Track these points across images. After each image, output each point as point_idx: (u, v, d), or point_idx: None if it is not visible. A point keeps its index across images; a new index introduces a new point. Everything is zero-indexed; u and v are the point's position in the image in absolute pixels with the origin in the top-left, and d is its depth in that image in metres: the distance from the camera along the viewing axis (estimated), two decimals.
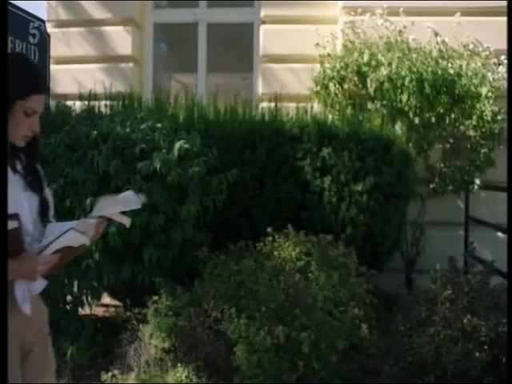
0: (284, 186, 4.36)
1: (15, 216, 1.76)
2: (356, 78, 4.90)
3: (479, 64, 5.09)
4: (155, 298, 3.68)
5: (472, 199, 5.35)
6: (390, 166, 4.28)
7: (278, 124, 4.41)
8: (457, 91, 4.61)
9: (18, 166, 1.96)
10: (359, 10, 5.22)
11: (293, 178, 4.35)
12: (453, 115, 4.79)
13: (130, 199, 2.02)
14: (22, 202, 1.90)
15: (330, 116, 4.85)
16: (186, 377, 3.33)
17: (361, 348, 3.60)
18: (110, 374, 3.50)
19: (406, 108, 4.57)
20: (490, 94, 4.98)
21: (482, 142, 5.11)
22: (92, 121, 4.11)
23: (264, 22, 5.74)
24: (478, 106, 4.92)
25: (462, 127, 5.13)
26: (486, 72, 5.01)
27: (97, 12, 5.89)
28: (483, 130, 5.06)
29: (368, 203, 4.24)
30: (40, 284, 1.92)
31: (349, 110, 4.90)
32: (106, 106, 4.52)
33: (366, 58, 4.81)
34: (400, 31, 5.08)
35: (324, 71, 5.03)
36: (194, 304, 3.58)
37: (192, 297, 3.65)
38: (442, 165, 5.18)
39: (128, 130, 3.96)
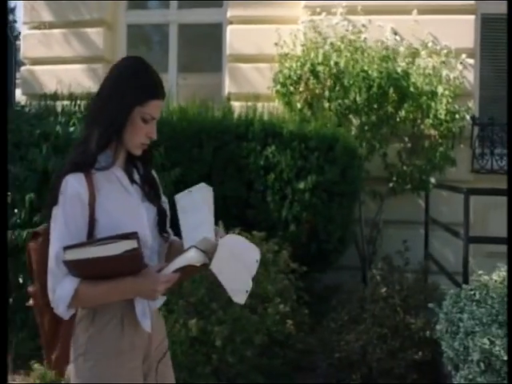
0: (230, 184, 4.43)
1: (134, 234, 1.69)
2: (311, 78, 4.94)
3: (437, 62, 5.08)
4: None
5: (433, 198, 5.33)
6: (333, 164, 4.31)
7: (224, 123, 4.48)
8: (405, 90, 4.60)
9: (136, 176, 1.88)
10: (318, 10, 5.26)
11: (239, 176, 4.42)
12: (403, 113, 4.77)
13: (252, 253, 1.90)
14: (141, 213, 1.84)
15: (287, 115, 4.93)
16: None
17: (287, 344, 3.66)
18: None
19: (355, 107, 4.59)
20: (446, 92, 4.97)
21: (440, 141, 5.09)
22: (39, 120, 4.24)
23: (231, 23, 5.81)
24: (432, 104, 4.92)
25: (422, 126, 5.12)
26: (443, 70, 4.99)
27: (72, 13, 6.04)
28: (441, 128, 5.05)
29: (310, 201, 4.28)
30: (160, 299, 1.88)
31: (305, 109, 4.96)
32: (64, 106, 4.65)
33: (320, 57, 4.84)
34: (360, 30, 5.10)
35: (281, 71, 5.08)
36: None
37: None
38: (401, 163, 5.18)
39: (72, 129, 4.09)
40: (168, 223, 1.93)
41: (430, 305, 3.49)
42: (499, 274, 3.62)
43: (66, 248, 1.67)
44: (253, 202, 4.39)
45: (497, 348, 3.13)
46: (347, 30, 5.04)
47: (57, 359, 1.85)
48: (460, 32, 5.26)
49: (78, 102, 4.65)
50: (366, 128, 4.73)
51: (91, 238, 1.73)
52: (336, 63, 4.63)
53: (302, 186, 4.25)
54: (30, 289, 1.86)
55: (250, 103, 4.84)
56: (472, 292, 3.51)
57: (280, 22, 5.56)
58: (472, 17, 5.34)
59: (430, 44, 5.15)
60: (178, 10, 6.11)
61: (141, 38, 6.32)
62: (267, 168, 4.35)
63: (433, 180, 4.97)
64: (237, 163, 4.41)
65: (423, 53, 5.08)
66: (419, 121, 5.09)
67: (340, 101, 4.64)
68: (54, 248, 1.71)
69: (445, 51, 5.12)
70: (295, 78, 4.99)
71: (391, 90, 4.56)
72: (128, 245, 1.67)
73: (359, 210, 5.05)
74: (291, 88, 5.02)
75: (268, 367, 3.51)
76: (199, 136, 4.46)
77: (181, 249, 1.82)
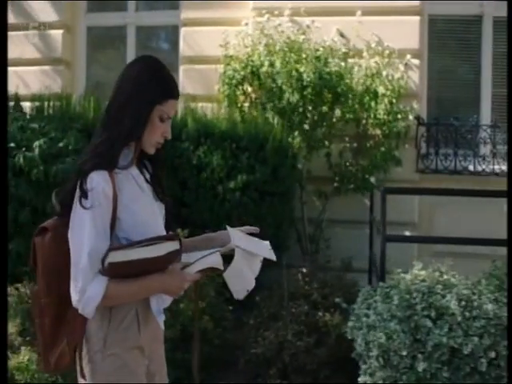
0: (166, 184, 4.48)
1: (176, 236, 1.76)
2: (254, 79, 5.01)
3: (380, 63, 5.13)
4: (18, 285, 3.90)
5: (378, 198, 5.36)
6: (263, 164, 4.38)
7: None
8: (338, 90, 4.65)
9: (147, 175, 1.91)
10: (264, 11, 5.32)
11: (174, 175, 4.50)
12: (339, 113, 4.83)
13: (264, 247, 1.95)
14: (156, 211, 1.87)
15: (233, 115, 5.00)
16: (28, 359, 3.56)
17: (205, 339, 3.73)
18: None
19: (290, 107, 4.65)
20: (388, 92, 5.01)
21: (382, 141, 5.14)
22: None
23: (185, 25, 5.90)
24: (372, 104, 4.96)
25: (367, 126, 5.17)
26: (383, 71, 5.03)
27: (32, 15, 6.16)
28: (384, 128, 5.09)
29: (241, 200, 4.35)
30: (169, 298, 1.92)
31: (252, 110, 5.04)
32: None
33: (259, 58, 4.91)
34: (304, 32, 5.16)
35: (225, 72, 5.16)
36: None
37: None
38: (348, 163, 5.23)
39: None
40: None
41: (337, 300, 3.55)
42: (412, 272, 3.68)
43: (111, 250, 1.69)
44: (187, 200, 4.47)
45: (395, 343, 3.19)
46: (292, 32, 5.09)
47: (57, 361, 1.84)
48: (405, 33, 5.29)
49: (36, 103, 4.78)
50: (306, 128, 4.78)
51: (113, 236, 1.75)
52: (271, 64, 4.69)
53: (232, 185, 4.33)
54: (33, 288, 1.89)
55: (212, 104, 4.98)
56: (387, 289, 3.58)
57: (231, 23, 5.64)
58: (417, 18, 5.37)
59: (373, 45, 5.20)
60: (136, 13, 6.21)
61: (100, 40, 6.42)
62: (200, 167, 4.43)
63: (373, 180, 5.02)
64: (172, 163, 4.49)
65: (365, 53, 5.13)
66: (364, 121, 5.15)
67: (276, 101, 4.70)
68: (85, 247, 1.70)
69: (387, 52, 5.17)
70: (239, 79, 5.07)
71: (325, 91, 4.61)
72: (171, 246, 1.74)
73: (302, 210, 5.12)
74: (235, 89, 5.10)
75: (184, 362, 3.58)
76: None
77: (191, 246, 1.91)
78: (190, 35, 5.84)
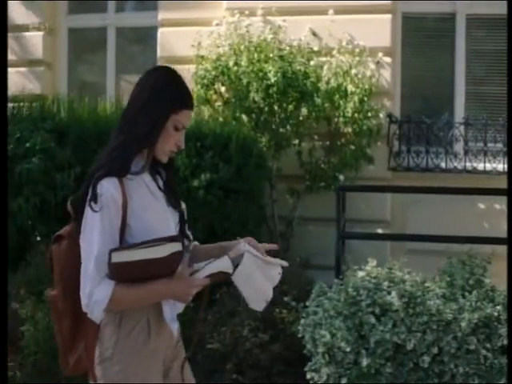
0: None
1: (179, 237, 1.80)
2: (225, 78, 5.06)
3: (351, 61, 5.16)
4: None
5: (351, 196, 5.39)
6: (227, 163, 4.43)
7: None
8: (303, 89, 4.69)
9: (160, 183, 1.93)
10: (236, 11, 5.38)
11: None
12: (305, 111, 4.86)
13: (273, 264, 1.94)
14: (168, 218, 1.89)
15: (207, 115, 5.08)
16: None
17: None
18: None
19: (256, 106, 4.71)
20: (358, 90, 5.04)
21: (353, 139, 5.16)
22: None
23: (162, 25, 5.97)
24: (341, 102, 5.00)
25: (339, 124, 5.20)
26: (352, 69, 5.06)
27: (13, 17, 6.25)
28: (354, 126, 5.12)
29: (205, 199, 4.41)
30: (181, 304, 1.95)
31: (220, 109, 5.10)
32: None
33: (226, 58, 4.97)
34: (275, 32, 5.20)
35: (197, 72, 5.22)
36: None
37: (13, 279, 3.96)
38: (319, 161, 5.27)
39: None
40: (186, 227, 2.01)
41: (286, 298, 3.59)
42: (365, 269, 3.71)
43: (113, 250, 1.71)
44: None
45: (338, 340, 3.23)
46: (262, 32, 5.14)
47: (76, 363, 1.88)
48: (376, 31, 5.32)
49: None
50: (273, 126, 4.83)
51: (123, 242, 1.77)
52: (236, 64, 4.74)
53: (196, 183, 4.39)
54: (50, 293, 1.88)
55: None
56: (341, 287, 3.62)
57: (207, 24, 5.68)
58: (388, 16, 5.39)
59: (344, 43, 5.23)
60: (116, 14, 6.30)
61: (82, 42, 6.51)
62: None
63: (341, 178, 5.05)
64: None
65: (335, 52, 5.16)
66: (336, 119, 5.18)
67: (243, 100, 4.75)
68: (93, 251, 1.73)
69: (357, 50, 5.20)
70: (210, 79, 5.13)
71: (290, 90, 4.66)
72: (174, 247, 1.75)
73: (272, 208, 5.17)
74: (206, 89, 5.16)
75: None
76: (104, 136, 4.61)
77: (203, 253, 1.98)
78: (166, 36, 5.91)
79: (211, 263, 1.82)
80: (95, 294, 1.72)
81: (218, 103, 5.19)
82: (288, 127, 4.86)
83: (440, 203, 5.18)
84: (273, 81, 4.61)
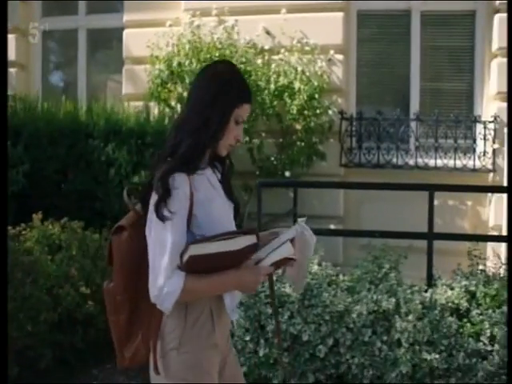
0: (81, 179, 4.79)
1: (254, 230, 1.81)
2: (177, 78, 5.21)
3: (301, 59, 5.24)
4: None
5: (304, 192, 5.48)
6: None
7: (75, 122, 4.83)
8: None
9: (218, 175, 1.97)
10: (191, 12, 5.51)
11: (88, 171, 4.77)
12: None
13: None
14: (228, 209, 1.94)
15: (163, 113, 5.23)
16: None
17: (90, 324, 3.97)
18: None
19: None
20: (306, 87, 5.12)
21: (303, 136, 5.24)
22: None
23: (127, 27, 6.14)
24: (288, 100, 5.09)
25: (290, 121, 5.29)
26: (298, 66, 5.14)
27: None
28: (303, 123, 5.20)
29: None
30: (239, 294, 1.97)
31: (178, 107, 5.25)
32: None
33: (179, 59, 5.11)
34: (229, 32, 5.32)
35: (151, 72, 5.37)
36: None
37: None
38: (272, 158, 5.37)
39: None
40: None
41: None
42: None
43: (191, 243, 1.74)
44: (99, 194, 4.73)
45: (239, 329, 3.35)
46: (215, 32, 5.26)
47: (133, 355, 1.88)
48: (329, 29, 5.39)
49: None
50: None
51: (189, 234, 1.79)
52: (179, 64, 4.88)
53: (137, 180, 4.55)
54: (108, 285, 1.86)
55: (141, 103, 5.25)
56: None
57: (169, 24, 5.83)
58: (340, 14, 5.45)
59: (295, 41, 5.31)
60: (86, 16, 6.50)
61: (55, 43, 6.73)
62: (109, 163, 4.68)
63: (288, 174, 5.15)
64: (86, 159, 4.76)
65: (283, 50, 5.25)
66: (288, 116, 5.27)
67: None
68: (166, 243, 1.74)
69: (308, 48, 5.27)
70: (164, 78, 5.28)
71: None
72: (249, 240, 1.77)
73: None
74: (160, 88, 5.31)
75: (65, 343, 3.84)
76: (54, 134, 4.83)
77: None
78: (130, 37, 6.08)
79: (275, 251, 1.83)
80: (167, 285, 1.73)
81: (172, 101, 5.35)
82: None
83: (393, 199, 5.22)
84: None
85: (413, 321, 3.29)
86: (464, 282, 3.63)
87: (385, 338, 3.30)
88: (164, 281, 1.72)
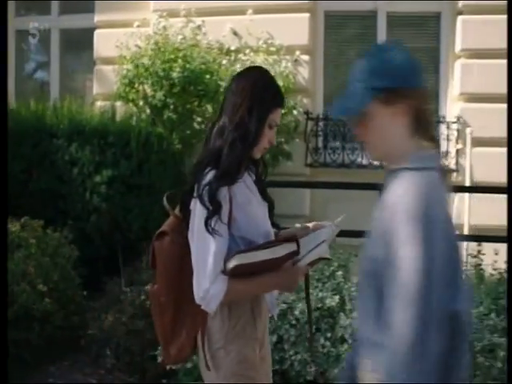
0: (46, 178, 4.84)
1: (294, 237, 1.89)
2: (142, 78, 5.26)
3: (267, 59, 5.29)
4: None
5: (271, 191, 5.52)
6: (128, 159, 4.64)
7: (40, 121, 4.89)
8: (204, 87, 4.86)
9: (253, 176, 2.03)
10: (159, 13, 5.56)
11: (52, 170, 4.82)
12: (210, 109, 5.03)
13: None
14: (264, 210, 2.02)
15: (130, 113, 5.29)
16: None
17: (48, 321, 4.03)
18: None
19: (161, 104, 4.89)
20: None
21: None
22: None
23: (98, 27, 6.19)
24: None
25: None
26: (270, 67, 5.20)
27: None
28: None
29: (108, 193, 4.63)
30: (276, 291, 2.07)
31: (146, 107, 5.31)
32: None
33: (146, 60, 5.16)
34: (196, 33, 5.37)
35: (119, 72, 5.42)
36: None
37: None
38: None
39: None
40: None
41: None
42: None
43: (237, 252, 1.84)
44: (63, 193, 4.79)
45: None
46: (179, 34, 5.31)
47: (179, 352, 1.99)
48: (295, 30, 5.45)
49: None
50: (177, 123, 5.01)
51: (230, 236, 1.87)
52: (137, 66, 4.95)
53: (98, 179, 4.61)
54: (153, 288, 1.98)
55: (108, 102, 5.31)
56: None
57: (142, 25, 5.87)
58: (306, 15, 5.51)
59: (261, 42, 5.37)
60: (59, 17, 6.55)
61: (28, 43, 6.78)
62: (72, 162, 4.73)
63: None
64: (50, 159, 4.81)
65: (248, 50, 5.31)
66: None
67: (150, 98, 4.96)
68: (211, 248, 1.82)
69: (273, 49, 5.33)
70: (131, 78, 5.33)
71: (191, 88, 4.83)
72: (290, 247, 1.87)
73: None
74: (128, 88, 5.36)
75: (20, 340, 3.89)
76: (20, 134, 4.88)
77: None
78: (101, 37, 6.13)
79: (312, 251, 1.92)
80: (212, 288, 1.82)
81: (140, 101, 5.40)
82: (195, 124, 5.02)
83: (359, 199, 5.27)
84: (176, 81, 4.79)
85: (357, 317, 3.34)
86: None
87: (329, 334, 3.35)
88: (209, 285, 1.82)
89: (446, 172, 1.59)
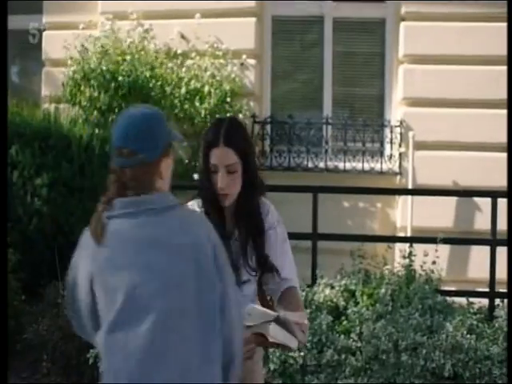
0: None
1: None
2: (87, 80, 5.25)
3: (212, 63, 5.33)
4: None
5: None
6: (70, 161, 4.62)
7: None
8: (149, 91, 4.88)
9: None
10: (106, 16, 5.55)
11: None
12: None
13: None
14: None
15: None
16: None
17: None
18: None
19: (105, 107, 4.90)
20: (217, 91, 5.21)
21: None
22: None
23: (46, 28, 6.14)
24: (197, 104, 5.17)
25: (203, 125, 5.36)
26: (207, 71, 5.24)
27: None
28: None
29: (49, 196, 4.60)
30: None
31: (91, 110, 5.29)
32: None
33: (92, 62, 5.16)
34: (144, 37, 5.39)
35: (65, 73, 5.40)
36: None
37: None
38: (186, 161, 5.44)
39: None
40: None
41: None
42: None
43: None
44: None
45: None
46: (128, 37, 5.32)
47: None
48: (241, 34, 5.48)
49: None
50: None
51: None
52: (90, 66, 4.95)
53: (39, 181, 4.58)
54: None
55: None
56: None
57: (85, 27, 5.86)
58: (253, 19, 5.55)
59: (206, 46, 5.39)
60: (10, 17, 6.47)
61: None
62: (13, 166, 4.69)
63: (196, 176, 5.22)
64: None
65: (193, 54, 5.33)
66: (198, 119, 5.34)
67: (96, 101, 4.95)
68: None
69: (220, 53, 5.36)
70: (77, 80, 5.31)
71: (136, 91, 4.85)
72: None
73: None
74: (75, 90, 5.34)
75: None
76: None
77: None
78: (50, 38, 6.09)
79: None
80: None
81: (85, 103, 5.37)
82: None
83: (304, 202, 5.33)
84: (122, 84, 4.80)
85: None
86: (344, 281, 3.76)
87: None
88: None
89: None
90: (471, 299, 3.73)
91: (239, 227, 2.13)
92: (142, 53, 5.09)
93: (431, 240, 3.90)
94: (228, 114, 5.30)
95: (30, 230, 4.64)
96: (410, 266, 3.81)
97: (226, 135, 2.05)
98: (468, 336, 3.32)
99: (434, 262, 3.75)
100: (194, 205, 2.10)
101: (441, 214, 5.30)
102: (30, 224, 4.65)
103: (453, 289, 3.98)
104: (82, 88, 5.33)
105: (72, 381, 3.97)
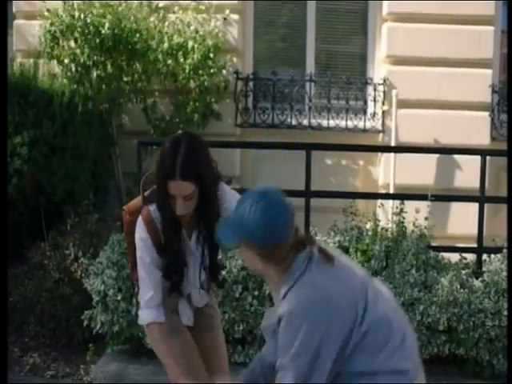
0: None
1: None
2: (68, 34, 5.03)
3: (194, 17, 5.18)
4: None
5: None
6: (51, 120, 4.46)
7: None
8: (134, 45, 4.71)
9: None
10: None
11: None
12: (139, 68, 4.89)
13: None
14: None
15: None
16: None
17: None
18: None
19: (90, 62, 4.71)
20: (200, 47, 5.07)
21: (197, 96, 5.21)
22: None
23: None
24: (181, 60, 5.03)
25: (184, 81, 5.22)
26: (191, 26, 5.09)
27: None
28: (197, 83, 5.16)
29: (30, 155, 4.45)
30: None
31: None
32: None
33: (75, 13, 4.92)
34: None
35: (45, 27, 5.14)
36: None
37: None
38: (168, 117, 5.32)
39: None
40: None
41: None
42: None
43: None
44: None
45: (111, 289, 3.37)
46: None
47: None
48: None
49: None
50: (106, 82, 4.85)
51: None
52: (73, 17, 4.74)
53: (19, 140, 4.41)
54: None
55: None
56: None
57: None
58: None
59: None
60: None
61: None
62: None
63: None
64: None
65: (176, 8, 5.16)
66: (181, 76, 5.20)
67: (77, 56, 4.76)
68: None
69: (203, 7, 5.21)
70: (56, 34, 5.07)
71: (121, 46, 4.67)
72: None
73: (116, 164, 5.23)
74: (53, 44, 5.11)
75: None
76: None
77: None
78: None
79: None
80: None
81: (66, 59, 5.15)
82: (123, 84, 4.88)
83: (288, 158, 5.30)
84: (105, 37, 4.61)
85: None
86: (338, 238, 3.78)
87: (256, 293, 3.40)
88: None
89: None
90: (464, 254, 3.79)
91: (199, 231, 2.21)
92: (124, 5, 4.88)
93: (423, 197, 3.93)
94: (212, 71, 5.20)
95: (9, 191, 4.48)
96: (402, 222, 3.84)
97: (182, 168, 1.98)
98: (461, 290, 3.39)
99: (426, 218, 3.79)
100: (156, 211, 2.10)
101: (422, 171, 5.35)
102: (10, 184, 4.49)
103: (442, 244, 4.04)
104: (61, 42, 5.12)
105: (61, 343, 3.92)
